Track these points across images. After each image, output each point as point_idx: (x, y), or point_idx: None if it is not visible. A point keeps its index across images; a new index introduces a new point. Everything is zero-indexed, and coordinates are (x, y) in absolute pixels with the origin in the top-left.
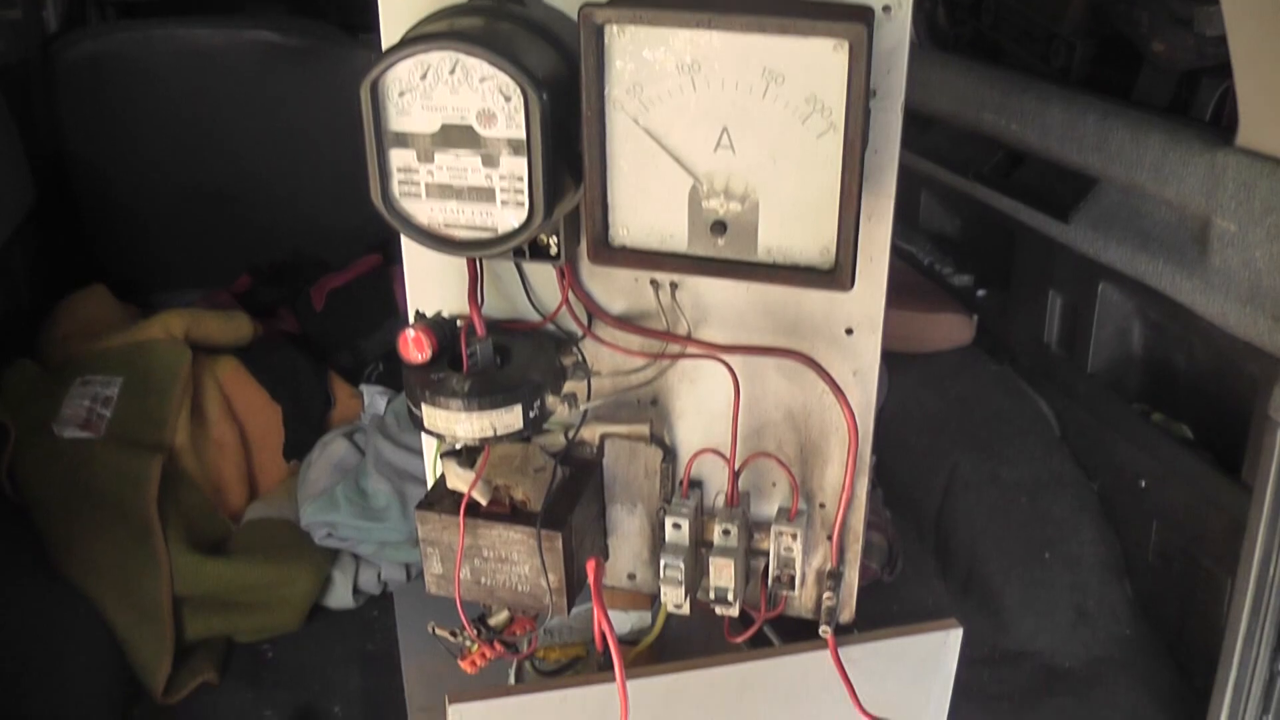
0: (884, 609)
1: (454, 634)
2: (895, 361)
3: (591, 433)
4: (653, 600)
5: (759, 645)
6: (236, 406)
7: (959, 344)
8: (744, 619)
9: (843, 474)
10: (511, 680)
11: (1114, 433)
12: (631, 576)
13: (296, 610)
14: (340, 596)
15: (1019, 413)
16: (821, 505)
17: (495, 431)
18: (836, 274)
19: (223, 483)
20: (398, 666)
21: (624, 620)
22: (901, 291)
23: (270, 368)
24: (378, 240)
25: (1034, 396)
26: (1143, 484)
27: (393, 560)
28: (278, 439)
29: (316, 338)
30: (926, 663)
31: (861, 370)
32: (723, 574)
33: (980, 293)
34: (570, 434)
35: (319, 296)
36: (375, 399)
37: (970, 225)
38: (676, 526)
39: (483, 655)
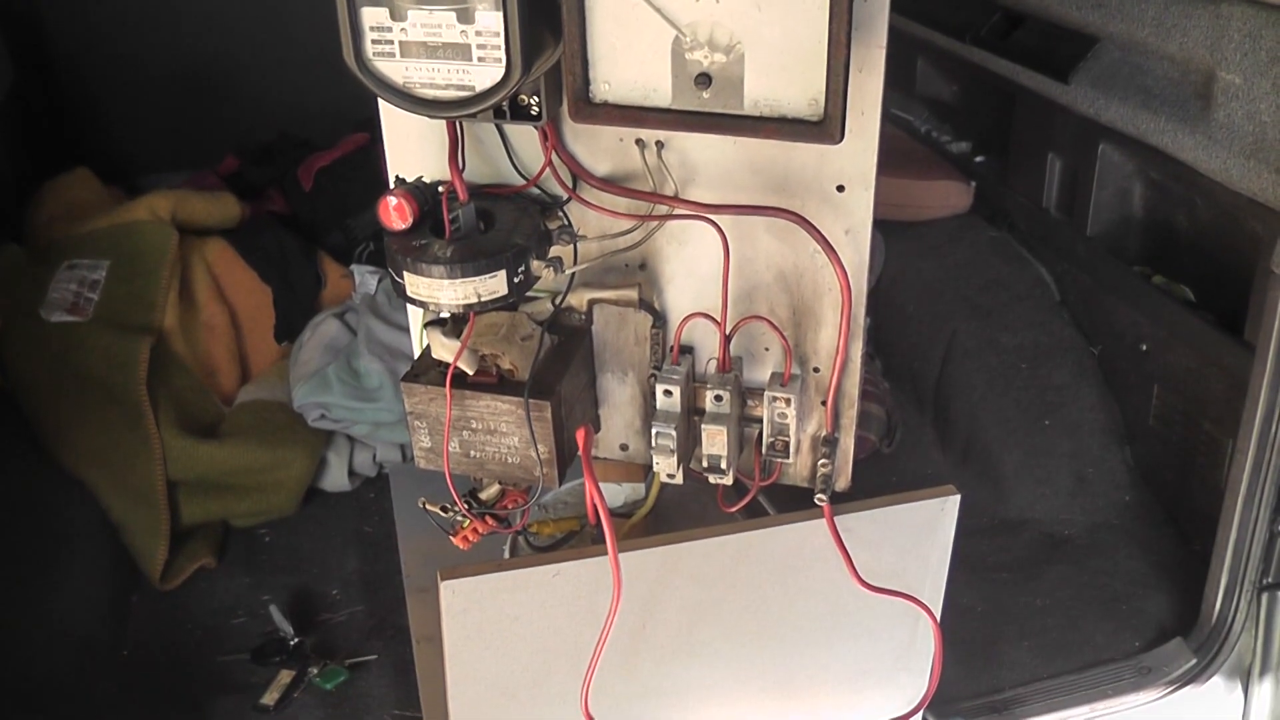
0: (882, 481)
1: (445, 509)
2: (892, 230)
3: (579, 299)
4: (646, 471)
5: (754, 515)
6: (226, 288)
7: (957, 211)
8: (738, 488)
9: (836, 336)
10: (506, 555)
11: (1114, 296)
12: (624, 447)
13: (291, 493)
14: (335, 479)
15: (1018, 278)
16: (815, 370)
17: (479, 298)
18: (825, 125)
19: (214, 365)
20: (395, 548)
21: (617, 493)
22: (898, 158)
23: (259, 249)
24: (365, 118)
25: (1033, 262)
26: (1144, 348)
27: (387, 441)
28: (268, 320)
29: (306, 218)
30: (924, 531)
31: (854, 228)
32: (715, 441)
33: (978, 159)
34: (557, 300)
35: (307, 176)
36: (366, 278)
37: (968, 91)
38: (668, 393)
39: (475, 531)
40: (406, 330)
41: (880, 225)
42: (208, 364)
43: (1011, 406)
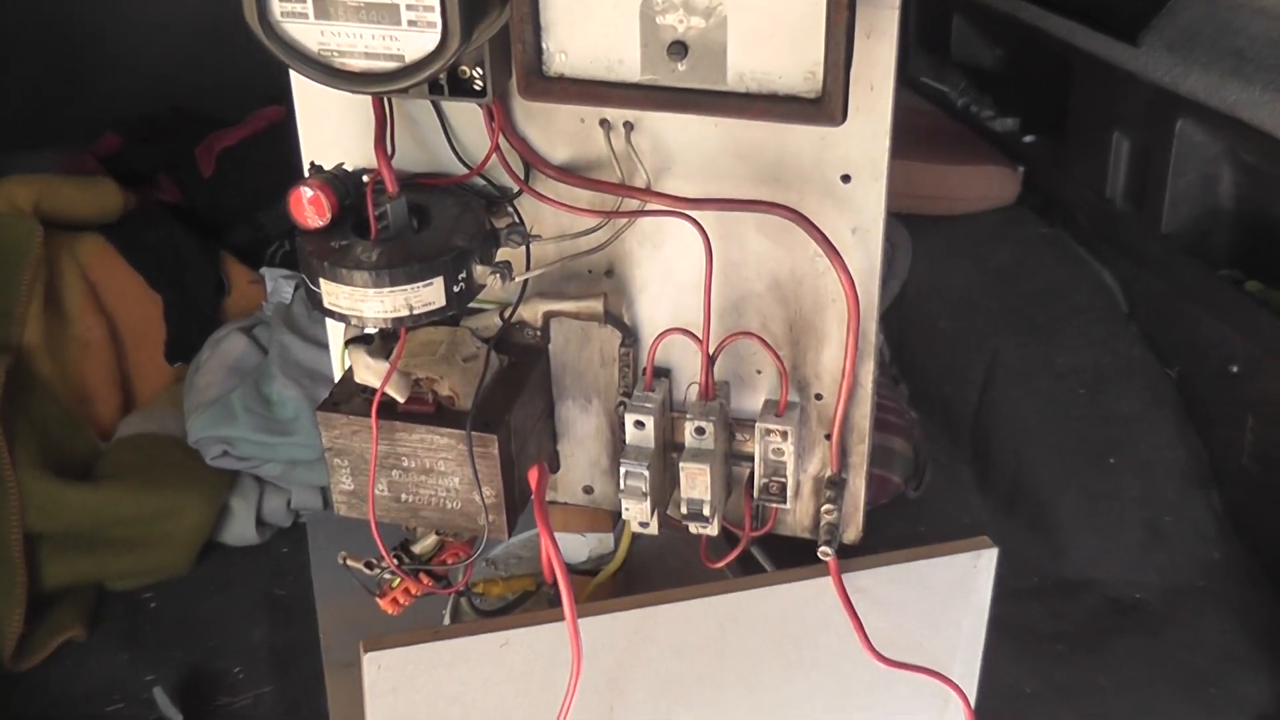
0: (908, 531)
1: (370, 565)
2: (922, 226)
3: (533, 311)
4: (614, 520)
5: (746, 572)
6: (105, 296)
7: (1001, 202)
8: (726, 539)
9: (842, 357)
10: (445, 622)
11: (1196, 307)
12: (588, 490)
13: (185, 548)
14: (240, 530)
15: (1076, 286)
16: (818, 397)
17: (412, 310)
18: (824, 104)
19: (88, 391)
20: (312, 614)
21: (580, 545)
22: (929, 139)
23: (147, 247)
24: (279, 88)
25: (1094, 265)
26: (1234, 370)
27: (304, 483)
28: (158, 336)
29: (205, 210)
30: (955, 592)
31: (862, 227)
32: (697, 483)
33: (1027, 139)
34: (506, 314)
35: (206, 159)
36: (280, 285)
37: (1015, 56)
38: (639, 425)
39: (407, 592)
40: (327, 347)
41: (906, 221)
42: (81, 389)
43: (1069, 441)
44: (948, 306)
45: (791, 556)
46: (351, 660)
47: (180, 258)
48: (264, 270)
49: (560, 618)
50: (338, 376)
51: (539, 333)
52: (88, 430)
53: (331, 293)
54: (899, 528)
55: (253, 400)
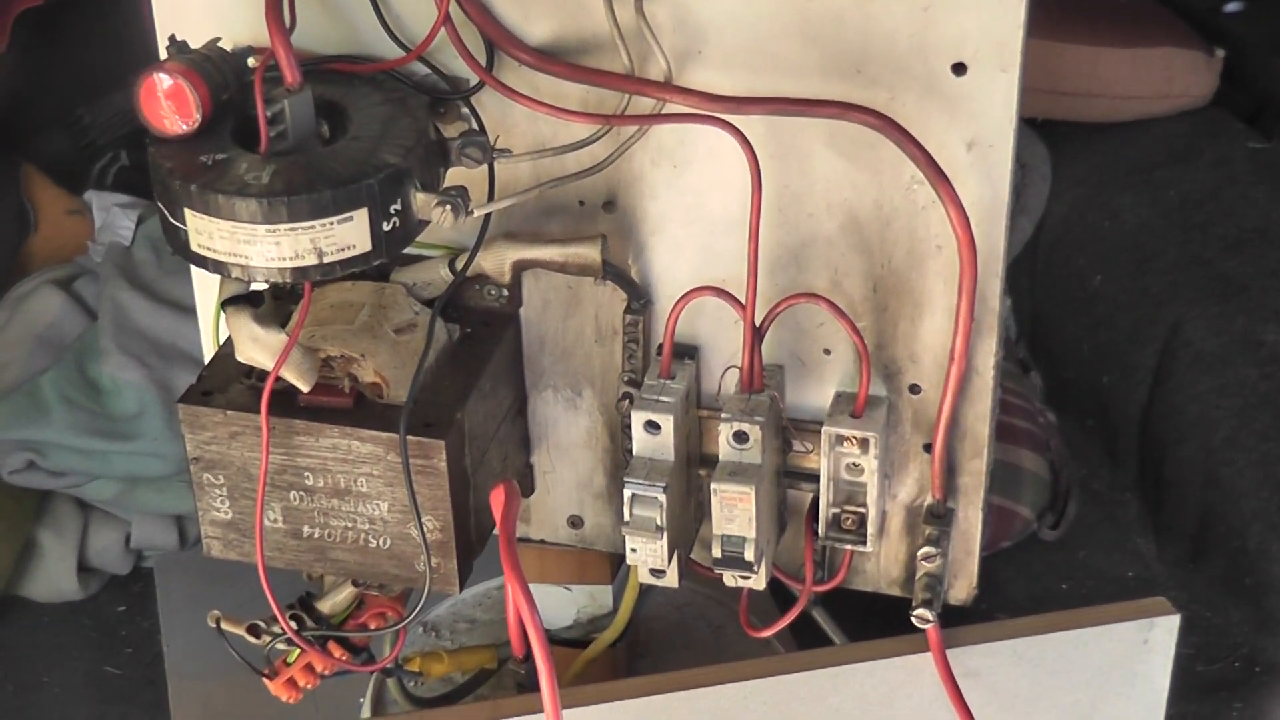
0: (1044, 588)
1: (256, 631)
2: (1068, 139)
3: (498, 261)
4: (614, 566)
5: (803, 645)
6: None
7: (1188, 103)
8: (777, 595)
9: (950, 331)
10: (366, 713)
11: None
12: (575, 523)
13: None
14: (53, 578)
15: None
16: (914, 389)
17: (321, 257)
18: None
19: None
20: (161, 704)
21: (565, 603)
22: (1080, 10)
23: None
24: None
25: None
26: None
27: (152, 510)
28: None
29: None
30: (1114, 676)
31: (983, 139)
32: (737, 513)
33: (1230, 6)
34: (459, 265)
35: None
36: (115, 217)
37: None
38: (652, 428)
39: (309, 669)
40: (188, 310)
41: (1044, 132)
42: None
43: None
44: (1104, 258)
45: (869, 624)
46: None
47: None
48: (89, 195)
49: (536, 709)
50: (209, 354)
51: (506, 292)
52: None
53: (201, 230)
54: (1029, 584)
55: (73, 387)
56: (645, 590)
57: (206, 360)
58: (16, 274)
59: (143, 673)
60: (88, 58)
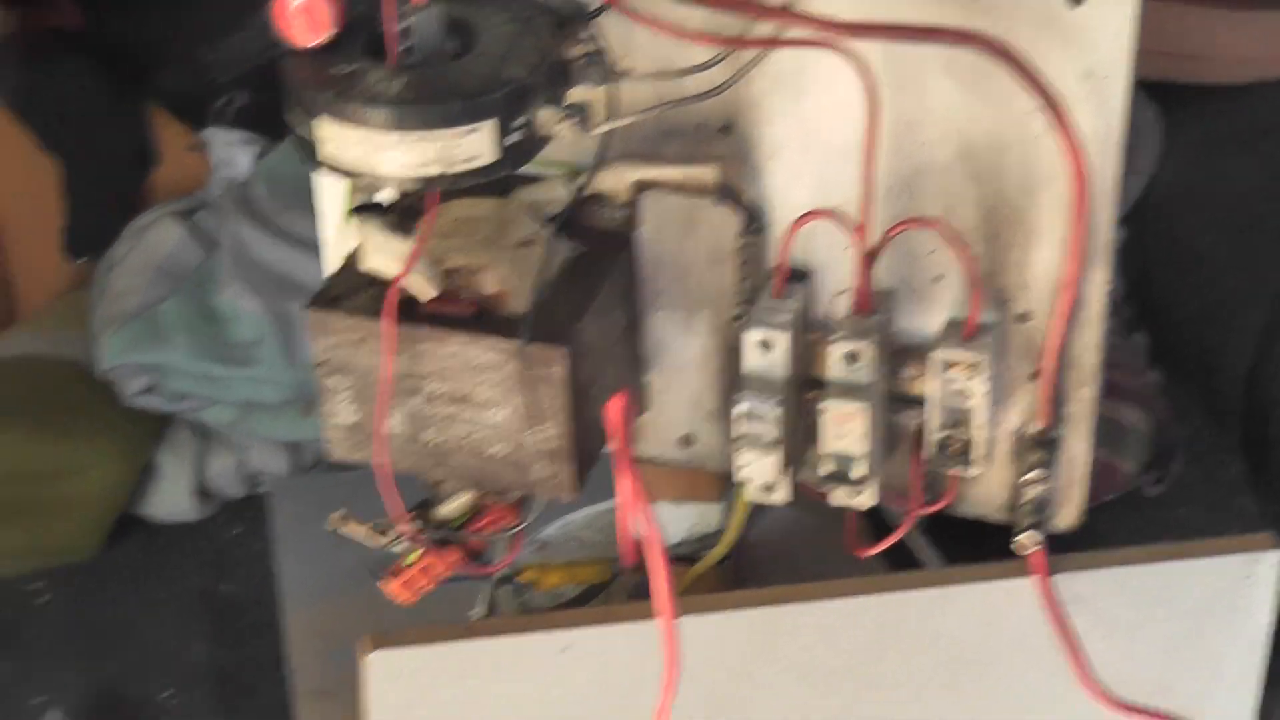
0: (1145, 541)
1: (378, 531)
2: (1180, 101)
3: (618, 181)
4: (723, 485)
5: (902, 565)
6: None
7: None
8: (879, 529)
9: (1061, 259)
10: (477, 613)
11: None
12: (686, 441)
13: (91, 522)
14: (172, 500)
15: None
16: (1023, 317)
17: (449, 167)
18: None
19: None
20: (274, 620)
21: (674, 520)
22: None
23: (36, 93)
24: None
25: None
26: None
27: (268, 437)
28: (52, 220)
29: (120, 40)
30: (1217, 612)
31: (1099, 70)
32: (847, 431)
33: None
34: (579, 183)
35: None
36: (234, 153)
37: None
38: (765, 347)
39: (426, 571)
40: (307, 244)
41: (1156, 93)
42: None
43: None
44: (1213, 220)
45: (968, 546)
46: (329, 687)
47: (86, 110)
48: (209, 131)
49: (646, 615)
50: (332, 263)
51: (624, 212)
52: None
53: (333, 138)
54: (1129, 538)
55: (193, 314)
56: (751, 514)
57: (326, 269)
58: (139, 207)
59: (255, 593)
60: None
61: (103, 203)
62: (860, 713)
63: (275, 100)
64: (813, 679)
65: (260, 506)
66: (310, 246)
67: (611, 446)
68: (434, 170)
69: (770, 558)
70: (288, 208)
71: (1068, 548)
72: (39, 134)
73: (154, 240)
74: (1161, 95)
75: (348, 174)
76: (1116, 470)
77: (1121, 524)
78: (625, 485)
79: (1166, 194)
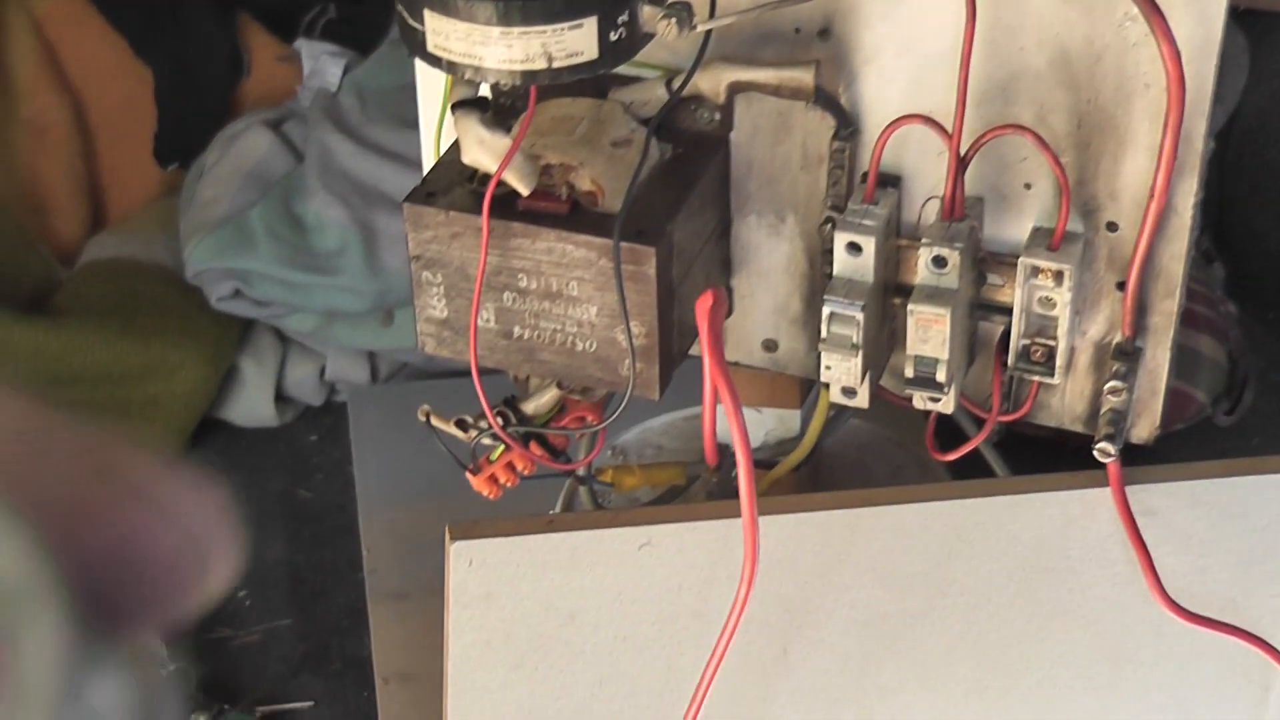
0: None
1: (464, 425)
2: (1266, 29)
3: (714, 82)
4: (804, 390)
5: (975, 475)
6: (69, 66)
7: None
8: (955, 435)
9: (1151, 169)
10: (559, 509)
11: None
12: (769, 346)
13: (174, 423)
14: (253, 405)
15: None
16: (1111, 226)
17: (551, 61)
18: None
19: (44, 196)
20: (351, 525)
21: (754, 425)
22: None
23: (131, 1)
24: None
25: None
26: None
27: (348, 345)
28: (145, 126)
29: None
30: None
31: None
32: (932, 334)
33: None
34: (676, 83)
35: None
36: (324, 65)
37: None
38: (854, 250)
39: (510, 468)
40: (392, 155)
41: (1240, 21)
42: (33, 193)
43: None
44: None
45: (1042, 457)
46: (405, 589)
47: (179, 17)
48: (300, 43)
49: (726, 514)
50: (431, 157)
51: (719, 115)
52: (42, 249)
53: (439, 31)
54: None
55: (279, 221)
56: (829, 423)
57: (426, 164)
58: (229, 116)
59: (334, 497)
60: None
61: (194, 111)
62: (932, 617)
63: (364, 14)
64: (887, 582)
65: (338, 414)
66: (396, 158)
67: (698, 348)
68: (537, 65)
69: (844, 468)
70: (375, 120)
71: (1149, 457)
72: (133, 42)
73: (243, 148)
74: (1249, 23)
75: (452, 67)
76: (1190, 399)
77: (1192, 453)
78: (713, 384)
79: (1250, 124)
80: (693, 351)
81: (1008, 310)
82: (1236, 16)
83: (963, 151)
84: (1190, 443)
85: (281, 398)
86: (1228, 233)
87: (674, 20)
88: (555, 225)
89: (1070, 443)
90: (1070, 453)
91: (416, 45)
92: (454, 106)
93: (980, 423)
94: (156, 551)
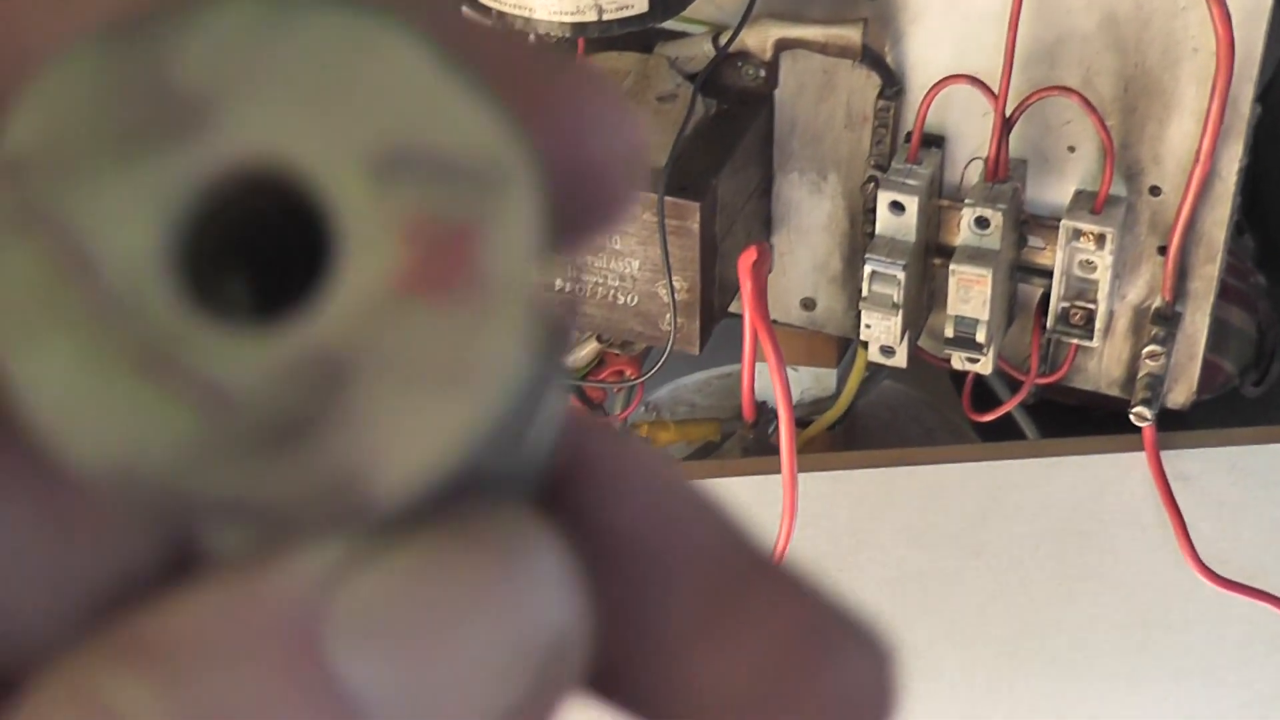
0: None
1: None
2: None
3: (760, 39)
4: (841, 350)
5: (1010, 438)
6: None
7: None
8: (990, 398)
9: (1196, 134)
10: None
11: None
12: (808, 304)
13: None
14: None
15: None
16: (1154, 191)
17: (601, 14)
18: None
19: None
20: None
21: (791, 382)
22: None
23: None
24: None
25: None
26: None
27: None
28: None
29: None
30: None
31: None
32: (973, 295)
33: None
34: (723, 39)
35: None
36: None
37: None
38: (897, 209)
39: None
40: None
41: None
42: None
43: None
44: None
45: (1073, 420)
46: None
47: None
48: None
49: (762, 470)
50: None
51: (764, 72)
52: None
53: None
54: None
55: None
56: (864, 384)
57: None
58: None
59: None
60: None
61: None
62: (965, 577)
63: None
64: (921, 542)
65: None
66: None
67: (736, 305)
68: (587, 18)
69: (878, 428)
70: None
71: (1183, 423)
72: None
73: None
74: None
75: (501, 18)
76: (1218, 369)
77: (1219, 423)
78: (754, 339)
79: None
80: (730, 309)
81: (1048, 273)
82: None
83: (1008, 113)
84: (1218, 413)
85: None
86: (1258, 204)
87: None
88: None
89: (1098, 410)
90: (1096, 420)
91: None
92: None
93: (1015, 386)
94: (599, 164)
